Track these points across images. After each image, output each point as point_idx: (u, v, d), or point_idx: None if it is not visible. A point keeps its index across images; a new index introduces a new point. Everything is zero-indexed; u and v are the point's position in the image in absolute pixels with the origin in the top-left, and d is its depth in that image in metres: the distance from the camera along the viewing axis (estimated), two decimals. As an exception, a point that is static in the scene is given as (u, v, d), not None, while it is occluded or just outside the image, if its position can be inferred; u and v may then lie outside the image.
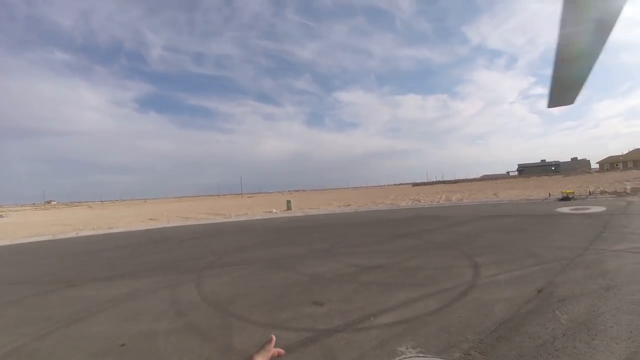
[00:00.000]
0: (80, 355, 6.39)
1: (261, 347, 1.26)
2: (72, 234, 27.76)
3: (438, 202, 38.85)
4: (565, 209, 21.38)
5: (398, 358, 5.78)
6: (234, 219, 34.33)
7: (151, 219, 39.10)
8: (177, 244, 19.88)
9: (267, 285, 10.25)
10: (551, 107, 1.81)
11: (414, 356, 5.83)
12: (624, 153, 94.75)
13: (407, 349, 6.03)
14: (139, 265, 14.21)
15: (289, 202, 43.98)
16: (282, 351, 1.30)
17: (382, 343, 6.26)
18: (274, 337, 1.30)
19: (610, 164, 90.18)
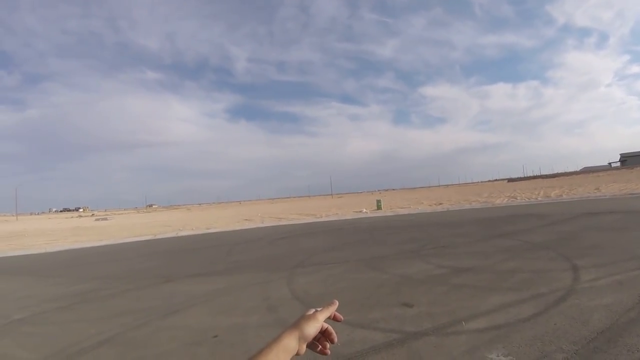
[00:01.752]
0: (174, 344, 7.02)
1: (325, 307, 1.31)
2: (172, 234, 29.78)
3: (535, 198, 37.02)
4: (680, 205, 19.63)
5: (488, 365, 5.78)
6: (324, 219, 34.97)
7: (246, 220, 40.94)
8: (269, 243, 20.76)
9: (356, 285, 10.47)
10: None
11: (505, 364, 5.79)
12: None
13: (497, 356, 6.00)
14: (234, 263, 15.12)
15: (378, 201, 43.98)
16: (341, 317, 1.36)
17: (472, 349, 6.28)
18: (336, 302, 1.36)
19: None
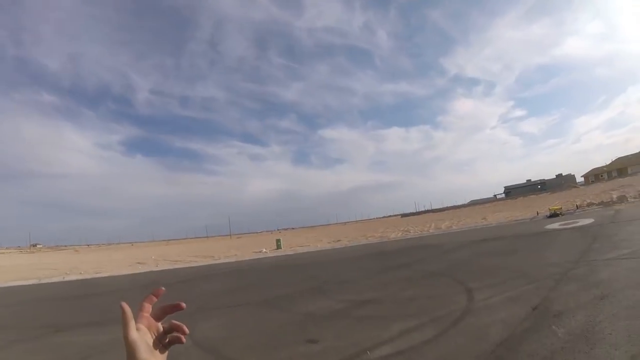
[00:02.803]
0: None
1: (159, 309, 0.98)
2: (59, 278, 27.14)
3: (428, 231, 38.90)
4: (555, 225, 21.48)
5: (397, 391, 5.63)
6: (223, 260, 33.87)
7: (139, 263, 38.35)
8: (165, 288, 19.35)
9: (259, 327, 10.01)
10: None
11: (413, 387, 5.67)
12: (608, 163, 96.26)
13: (405, 380, 5.87)
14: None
15: (278, 241, 43.66)
16: (184, 330, 1.00)
17: (378, 377, 6.11)
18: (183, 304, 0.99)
19: (595, 176, 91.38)
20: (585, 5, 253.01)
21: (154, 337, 0.96)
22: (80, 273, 29.75)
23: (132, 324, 0.92)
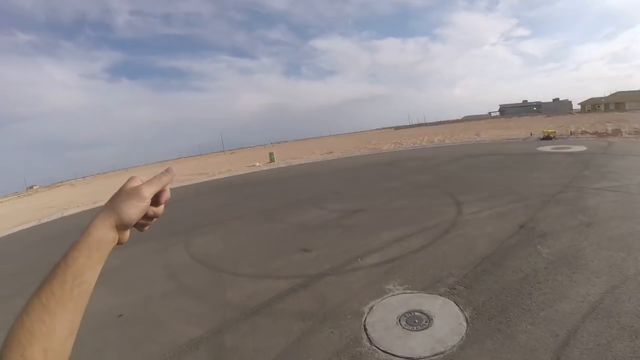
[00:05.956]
0: (79, 331, 6.37)
1: (156, 177, 0.87)
2: (58, 215, 27.16)
3: (420, 144, 38.97)
4: (547, 148, 21.50)
5: (386, 296, 5.94)
6: (217, 176, 34.02)
7: (135, 187, 38.39)
8: (164, 207, 19.44)
9: (254, 238, 10.35)
10: None
11: (402, 293, 5.98)
12: (606, 95, 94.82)
13: (394, 286, 6.17)
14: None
15: (271, 154, 43.66)
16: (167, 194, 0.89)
17: (370, 283, 6.40)
18: (172, 169, 0.89)
19: (592, 106, 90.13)
20: None
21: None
22: (79, 206, 29.67)
23: (158, 187, 0.86)
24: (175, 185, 30.31)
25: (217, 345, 5.19)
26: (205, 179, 33.16)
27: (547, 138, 27.46)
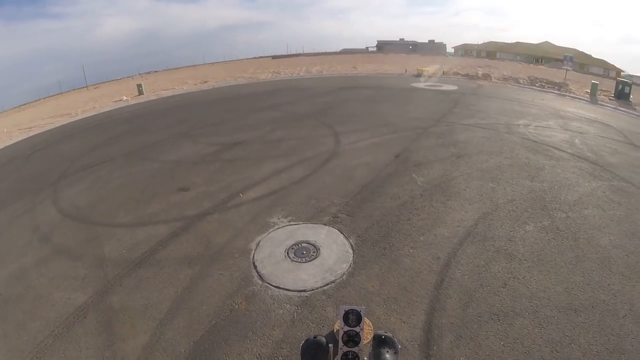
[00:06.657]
0: None
1: None
2: None
3: (298, 74, 38.67)
4: (421, 85, 22.40)
5: (272, 229, 5.89)
6: (80, 116, 30.88)
7: (-12, 138, 33.57)
8: (23, 159, 16.82)
9: (127, 182, 9.31)
10: None
11: (287, 225, 5.97)
12: (480, 43, 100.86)
13: (279, 219, 6.14)
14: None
15: (139, 86, 40.36)
16: None
17: (254, 217, 6.30)
18: None
19: (465, 51, 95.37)
20: None
21: None
22: None
23: None
24: (37, 132, 26.88)
25: (105, 309, 4.69)
26: (68, 120, 30.04)
27: (420, 75, 28.64)
